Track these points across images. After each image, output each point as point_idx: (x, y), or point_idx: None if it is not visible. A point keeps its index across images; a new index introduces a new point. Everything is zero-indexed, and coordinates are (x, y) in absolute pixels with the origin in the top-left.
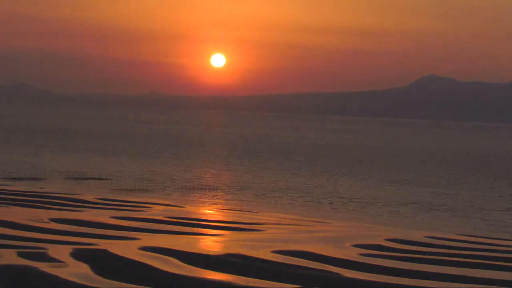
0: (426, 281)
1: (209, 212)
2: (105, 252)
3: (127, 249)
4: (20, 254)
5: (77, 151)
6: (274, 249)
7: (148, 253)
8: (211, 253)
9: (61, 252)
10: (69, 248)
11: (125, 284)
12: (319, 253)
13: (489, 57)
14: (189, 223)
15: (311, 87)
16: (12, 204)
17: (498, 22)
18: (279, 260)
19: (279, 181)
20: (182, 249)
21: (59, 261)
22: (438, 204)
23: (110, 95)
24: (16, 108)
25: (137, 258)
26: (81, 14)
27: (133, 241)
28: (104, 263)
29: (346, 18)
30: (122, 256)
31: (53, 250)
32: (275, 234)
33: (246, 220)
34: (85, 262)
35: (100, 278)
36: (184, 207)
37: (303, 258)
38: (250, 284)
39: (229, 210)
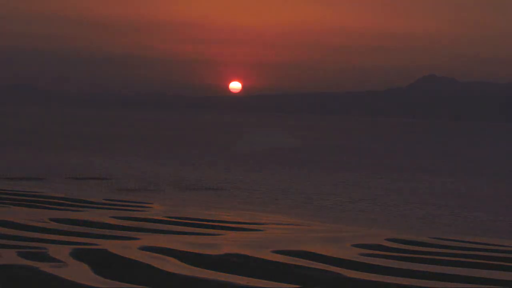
0: (426, 281)
1: (209, 212)
2: (105, 252)
3: (127, 249)
4: (20, 254)
5: (77, 151)
6: (274, 249)
7: (148, 253)
8: (211, 253)
9: (61, 252)
10: (69, 248)
11: (125, 284)
12: (319, 253)
13: (489, 57)
14: (189, 223)
15: (309, 86)
16: (12, 204)
17: (498, 22)
18: (279, 260)
19: (281, 181)
20: (182, 249)
21: (59, 261)
22: (438, 204)
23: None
24: (15, 108)
25: (137, 258)
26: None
27: (133, 241)
28: (104, 263)
29: (346, 18)
30: (122, 256)
31: (53, 250)
32: (275, 234)
33: (246, 220)
34: (85, 262)
35: (100, 278)
36: (184, 207)
37: (303, 258)
38: (250, 284)
39: (229, 210)
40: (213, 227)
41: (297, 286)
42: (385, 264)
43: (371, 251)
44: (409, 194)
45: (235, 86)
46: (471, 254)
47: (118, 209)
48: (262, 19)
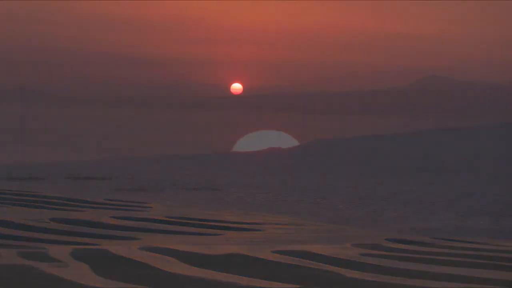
0: (426, 281)
1: (209, 212)
2: (105, 252)
3: (127, 249)
4: (20, 254)
5: (77, 151)
6: (274, 249)
7: (148, 253)
8: (211, 253)
9: (61, 252)
10: (69, 248)
11: (125, 284)
12: (319, 253)
13: (489, 57)
14: (189, 223)
15: (309, 86)
16: (12, 204)
17: (498, 22)
18: (279, 260)
19: (281, 181)
20: (182, 249)
21: (59, 261)
22: (439, 204)
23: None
24: (14, 108)
25: (137, 258)
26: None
27: (133, 241)
28: (104, 263)
29: (346, 18)
30: (122, 256)
31: (53, 250)
32: (275, 234)
33: (246, 220)
34: (85, 262)
35: (100, 278)
36: (184, 207)
37: (303, 258)
38: (250, 284)
39: (229, 210)
40: (213, 227)
41: (297, 286)
42: (385, 264)
43: (371, 251)
44: (409, 194)
45: (237, 87)
46: (471, 254)
47: (118, 209)
48: (263, 19)
